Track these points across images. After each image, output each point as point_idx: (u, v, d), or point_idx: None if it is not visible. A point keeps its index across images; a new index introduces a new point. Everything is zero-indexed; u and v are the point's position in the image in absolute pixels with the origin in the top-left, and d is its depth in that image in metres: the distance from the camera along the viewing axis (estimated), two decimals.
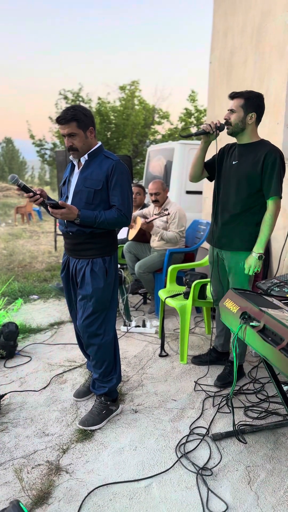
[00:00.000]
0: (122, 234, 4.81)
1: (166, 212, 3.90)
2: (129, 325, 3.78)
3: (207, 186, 5.22)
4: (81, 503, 1.81)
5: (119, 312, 3.91)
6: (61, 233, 2.46)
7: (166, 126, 19.14)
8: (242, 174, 2.57)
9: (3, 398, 2.57)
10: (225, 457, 2.12)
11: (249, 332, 1.73)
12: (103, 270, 2.31)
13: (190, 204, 5.64)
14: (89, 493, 1.86)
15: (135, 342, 3.52)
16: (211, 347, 3.15)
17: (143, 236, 4.31)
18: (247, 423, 2.41)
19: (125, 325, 3.80)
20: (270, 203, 2.53)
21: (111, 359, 2.43)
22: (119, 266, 2.90)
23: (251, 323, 1.72)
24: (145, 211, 4.43)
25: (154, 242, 4.18)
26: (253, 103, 2.52)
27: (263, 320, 1.67)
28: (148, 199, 5.56)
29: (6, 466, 2.03)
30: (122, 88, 17.62)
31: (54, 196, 19.81)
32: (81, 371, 2.98)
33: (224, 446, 2.21)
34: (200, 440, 2.24)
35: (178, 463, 2.07)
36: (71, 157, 2.36)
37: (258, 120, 2.59)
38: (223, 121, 2.58)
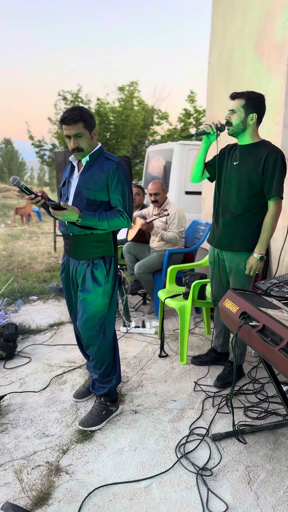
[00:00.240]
0: (121, 234, 4.82)
1: (166, 213, 3.90)
2: (129, 326, 3.78)
3: (206, 187, 5.23)
4: (81, 504, 1.81)
5: (118, 312, 3.91)
6: (60, 234, 2.46)
7: (165, 127, 19.18)
8: (243, 175, 2.57)
9: (3, 399, 2.57)
10: (225, 458, 2.12)
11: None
12: (105, 271, 2.32)
13: (189, 205, 5.65)
14: (89, 494, 1.86)
15: (134, 343, 3.52)
16: (211, 348, 3.15)
17: (143, 237, 4.31)
18: (247, 423, 2.41)
19: (124, 325, 3.80)
20: (271, 204, 2.54)
21: (111, 360, 2.43)
22: (118, 266, 2.91)
23: (250, 323, 1.72)
24: (144, 211, 4.44)
25: (154, 242, 4.18)
26: (254, 103, 2.52)
27: (263, 320, 1.68)
28: (147, 199, 5.57)
29: (6, 467, 2.03)
30: (121, 89, 17.63)
31: (53, 197, 19.81)
32: (80, 372, 2.98)
33: (224, 446, 2.21)
34: (200, 440, 2.24)
35: (178, 464, 2.07)
36: (71, 158, 2.36)
37: (259, 120, 2.59)
38: (223, 122, 2.59)
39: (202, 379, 2.91)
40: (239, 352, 2.84)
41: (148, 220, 3.92)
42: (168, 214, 3.93)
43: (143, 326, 3.81)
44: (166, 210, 3.99)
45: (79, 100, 17.70)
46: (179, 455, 2.13)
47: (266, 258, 3.69)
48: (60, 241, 7.99)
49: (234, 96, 2.57)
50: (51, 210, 2.16)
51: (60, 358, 3.20)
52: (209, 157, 2.76)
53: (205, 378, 2.92)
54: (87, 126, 2.21)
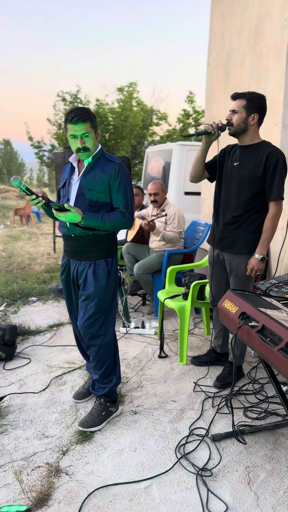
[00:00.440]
0: (120, 235, 4.82)
1: (164, 213, 3.91)
2: (128, 326, 3.78)
3: (206, 187, 5.23)
4: (81, 505, 1.81)
5: (118, 313, 3.91)
6: (59, 235, 2.47)
7: (164, 128, 19.20)
8: (243, 176, 2.57)
9: (3, 400, 2.57)
10: (224, 458, 2.12)
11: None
12: (106, 271, 2.32)
13: (188, 205, 5.66)
14: (89, 495, 1.86)
15: (134, 343, 3.53)
16: (210, 348, 3.15)
17: (142, 237, 4.32)
18: (247, 423, 2.41)
19: (124, 326, 3.80)
20: (271, 205, 2.54)
21: (111, 360, 2.44)
22: (118, 267, 2.91)
23: (249, 324, 1.72)
24: (143, 212, 4.44)
25: (153, 243, 4.19)
26: (255, 104, 2.53)
27: (262, 321, 1.68)
28: (146, 200, 5.57)
29: (6, 468, 2.03)
30: (120, 90, 17.65)
31: (53, 197, 19.81)
32: (80, 372, 2.98)
33: (224, 446, 2.21)
34: (199, 441, 2.24)
35: (178, 464, 2.07)
36: (71, 159, 2.36)
37: (260, 121, 2.59)
38: (224, 121, 2.59)
39: (202, 379, 2.91)
40: (238, 353, 2.84)
41: (149, 220, 3.91)
42: (166, 215, 3.93)
43: (143, 326, 3.81)
44: (164, 210, 3.99)
45: (78, 101, 17.72)
46: (179, 456, 2.13)
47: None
48: (60, 242, 7.99)
49: (235, 97, 2.57)
50: (54, 211, 2.16)
51: (59, 359, 3.20)
52: (208, 158, 2.77)
53: (204, 379, 2.92)
54: (93, 126, 2.23)
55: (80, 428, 2.32)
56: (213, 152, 2.74)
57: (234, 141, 2.71)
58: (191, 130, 17.19)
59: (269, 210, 2.56)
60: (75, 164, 2.35)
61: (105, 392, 2.41)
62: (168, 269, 3.77)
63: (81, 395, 2.62)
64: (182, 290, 3.54)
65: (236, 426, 2.34)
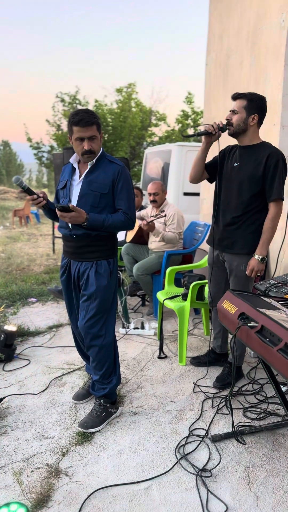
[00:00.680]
0: (120, 236, 4.82)
1: (163, 214, 3.91)
2: (128, 327, 3.78)
3: (205, 188, 5.24)
4: (81, 506, 1.81)
5: (117, 314, 3.91)
6: (59, 235, 2.47)
7: (163, 128, 19.21)
8: (243, 176, 2.58)
9: (2, 402, 2.57)
10: (224, 458, 2.12)
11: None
12: (108, 272, 2.33)
13: (187, 206, 5.66)
14: (88, 496, 1.86)
15: (133, 344, 3.53)
16: (210, 349, 3.15)
17: (141, 238, 4.32)
18: (246, 424, 2.41)
19: (123, 327, 3.80)
20: (272, 205, 2.54)
21: (111, 361, 2.44)
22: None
23: (249, 324, 1.73)
24: (142, 212, 4.44)
25: (152, 244, 4.19)
26: (255, 104, 2.53)
27: (261, 321, 1.68)
28: (145, 201, 5.57)
29: (6, 469, 2.03)
30: (119, 91, 17.66)
31: (51, 198, 19.79)
32: (80, 373, 2.98)
33: (224, 447, 2.21)
34: (199, 441, 2.24)
35: (178, 465, 2.07)
36: (71, 160, 2.36)
37: (260, 122, 2.60)
38: (224, 122, 2.59)
39: (201, 380, 2.91)
40: (238, 353, 2.84)
41: (149, 220, 3.91)
42: (165, 216, 3.94)
43: (142, 327, 3.81)
44: (163, 211, 4.00)
45: (77, 102, 17.73)
46: (178, 457, 2.13)
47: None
48: (59, 243, 7.99)
49: (235, 97, 2.57)
50: (58, 212, 2.16)
51: (59, 360, 3.20)
52: (207, 159, 2.77)
53: (204, 379, 2.92)
54: (99, 129, 2.24)
55: (80, 429, 2.32)
56: (212, 153, 2.75)
57: (233, 141, 2.71)
58: (191, 131, 17.20)
59: (269, 210, 2.56)
60: (75, 165, 2.35)
61: (105, 392, 2.41)
62: (168, 270, 3.77)
63: (80, 396, 2.62)
64: (181, 290, 3.55)
65: (235, 427, 2.34)
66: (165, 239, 4.02)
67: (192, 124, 17.20)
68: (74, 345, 2.71)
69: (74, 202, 2.30)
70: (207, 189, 5.03)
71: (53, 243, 7.88)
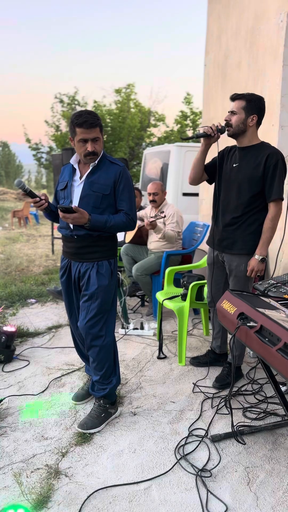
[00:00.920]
0: (119, 236, 4.83)
1: (163, 215, 3.91)
2: (127, 328, 3.78)
3: (204, 188, 5.24)
4: (81, 507, 1.80)
5: (117, 314, 3.91)
6: (58, 236, 2.47)
7: (162, 129, 19.22)
8: (243, 177, 2.58)
9: (2, 403, 2.57)
10: (224, 459, 2.12)
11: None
12: (109, 272, 2.34)
13: (186, 206, 5.66)
14: (88, 496, 1.86)
15: (133, 345, 3.53)
16: (209, 349, 3.16)
17: (140, 238, 4.32)
18: (246, 424, 2.41)
19: (123, 327, 3.80)
20: (271, 205, 2.55)
21: (111, 361, 2.44)
22: None
23: (248, 324, 1.73)
24: (141, 213, 4.44)
25: (152, 244, 4.19)
26: (254, 105, 2.53)
27: (260, 321, 1.68)
28: (144, 201, 5.57)
29: (5, 470, 2.03)
30: (118, 91, 17.68)
31: (50, 199, 19.77)
32: (79, 374, 2.98)
33: (223, 447, 2.21)
34: (199, 441, 2.24)
35: (177, 465, 2.07)
36: (72, 161, 2.36)
37: (259, 123, 2.60)
38: (222, 123, 2.59)
39: (201, 380, 2.91)
40: (237, 353, 2.84)
41: (151, 220, 3.92)
42: (164, 217, 3.94)
43: (142, 328, 3.81)
44: (163, 212, 4.00)
45: (76, 103, 17.74)
46: (178, 457, 2.13)
47: None
48: (58, 244, 7.98)
49: (234, 98, 2.57)
50: (60, 213, 2.16)
51: (58, 361, 3.20)
52: (206, 160, 2.77)
53: (203, 380, 2.92)
54: (101, 131, 2.26)
55: (80, 429, 2.32)
56: (211, 154, 2.75)
57: (232, 142, 2.71)
58: (190, 133, 17.22)
59: (269, 210, 2.57)
60: (76, 166, 2.35)
61: (105, 393, 2.41)
62: (167, 270, 3.77)
63: (80, 397, 2.62)
64: (180, 291, 3.55)
65: (235, 427, 2.33)
66: (166, 237, 4.02)
67: (191, 124, 17.22)
68: (73, 346, 2.71)
69: (75, 203, 2.30)
70: (206, 189, 5.03)
71: (52, 244, 7.88)
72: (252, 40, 4.07)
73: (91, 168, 2.30)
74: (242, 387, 2.81)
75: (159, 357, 3.27)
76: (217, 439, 2.25)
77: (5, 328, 3.18)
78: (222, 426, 2.39)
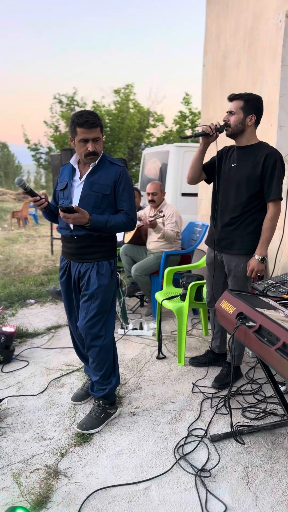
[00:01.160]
0: (118, 237, 4.82)
1: (161, 214, 3.91)
2: (126, 328, 3.78)
3: (203, 188, 5.24)
4: (80, 507, 1.80)
5: (116, 315, 3.91)
6: (57, 237, 2.47)
7: (161, 129, 19.24)
8: (242, 177, 2.58)
9: (1, 403, 2.57)
10: (223, 458, 2.12)
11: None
12: (109, 272, 2.34)
13: (185, 206, 5.67)
14: (88, 497, 1.86)
15: (132, 345, 3.52)
16: (209, 349, 3.16)
17: (139, 239, 4.32)
18: (245, 424, 2.41)
19: (122, 328, 3.80)
20: (270, 205, 2.55)
21: (111, 362, 2.44)
22: None
23: (247, 324, 1.73)
24: (140, 213, 4.44)
25: (151, 244, 4.19)
26: (252, 105, 2.54)
27: (259, 321, 1.68)
28: (143, 202, 5.57)
29: (5, 471, 2.03)
30: (117, 92, 17.68)
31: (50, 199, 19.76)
32: (78, 374, 2.98)
33: (222, 447, 2.21)
34: (198, 441, 2.24)
35: (177, 465, 2.07)
36: (72, 161, 2.36)
37: (257, 122, 2.60)
38: (221, 123, 2.60)
39: (200, 380, 2.91)
40: (236, 353, 2.84)
41: (151, 219, 3.92)
42: (163, 216, 3.94)
43: (141, 328, 3.81)
44: (162, 211, 4.00)
45: (75, 103, 17.74)
46: (177, 457, 2.13)
47: None
48: (57, 244, 7.98)
49: (232, 98, 2.57)
50: (61, 213, 2.16)
51: (58, 361, 3.20)
52: (205, 160, 2.77)
53: (203, 380, 2.93)
54: (102, 131, 2.26)
55: (79, 430, 2.31)
56: (209, 154, 2.75)
57: (230, 142, 2.71)
58: (189, 132, 17.23)
59: (268, 210, 2.57)
60: (76, 166, 2.35)
61: (104, 393, 2.41)
62: (166, 270, 3.77)
63: (79, 397, 2.62)
64: (179, 291, 3.55)
65: (234, 427, 2.33)
66: (165, 236, 4.02)
67: (189, 124, 17.22)
68: (72, 346, 2.71)
69: (75, 203, 2.30)
70: (205, 189, 5.03)
71: (52, 245, 7.88)
72: (250, 40, 4.07)
73: (91, 168, 2.30)
74: (241, 387, 2.81)
75: (158, 357, 3.27)
76: (217, 439, 2.25)
77: (4, 329, 3.18)
78: (221, 426, 2.39)
